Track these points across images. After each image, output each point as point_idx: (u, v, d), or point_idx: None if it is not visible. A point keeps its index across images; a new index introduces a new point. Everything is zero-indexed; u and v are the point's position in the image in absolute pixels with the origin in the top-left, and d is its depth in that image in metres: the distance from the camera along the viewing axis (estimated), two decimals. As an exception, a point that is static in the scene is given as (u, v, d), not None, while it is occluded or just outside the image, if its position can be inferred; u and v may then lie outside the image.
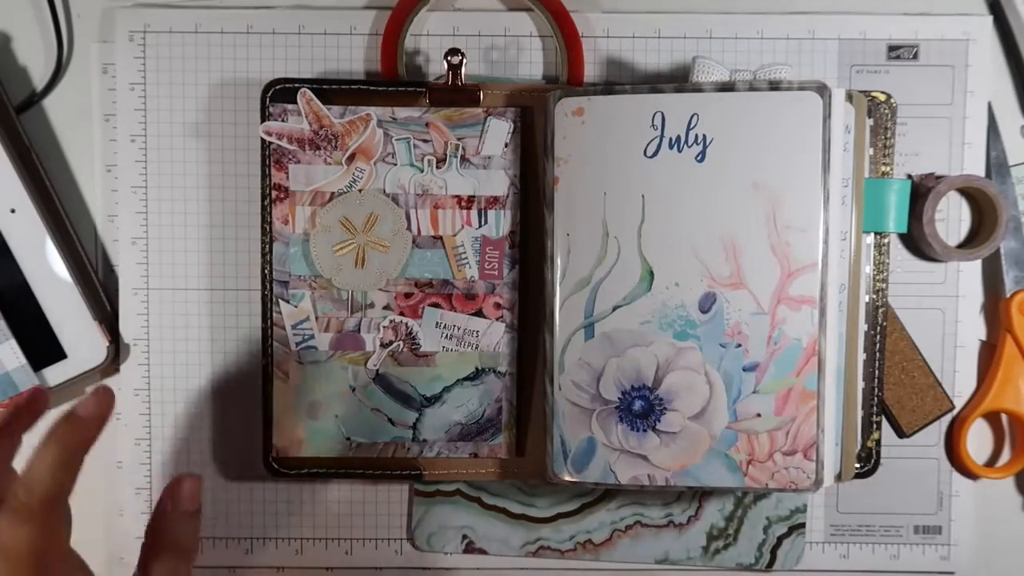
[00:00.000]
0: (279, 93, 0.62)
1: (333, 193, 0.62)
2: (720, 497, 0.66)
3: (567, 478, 0.60)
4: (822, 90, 0.56)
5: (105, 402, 0.50)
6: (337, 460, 0.64)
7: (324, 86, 0.62)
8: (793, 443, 0.58)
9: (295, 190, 0.62)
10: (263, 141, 0.62)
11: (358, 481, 0.67)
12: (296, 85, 0.62)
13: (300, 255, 0.63)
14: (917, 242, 0.65)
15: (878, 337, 0.64)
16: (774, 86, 0.57)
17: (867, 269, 0.63)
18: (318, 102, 0.61)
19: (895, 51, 0.65)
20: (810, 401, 0.57)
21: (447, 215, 0.62)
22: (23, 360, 0.63)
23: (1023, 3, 0.65)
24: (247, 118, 0.65)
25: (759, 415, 0.58)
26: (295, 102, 0.62)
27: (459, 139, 0.62)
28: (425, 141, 0.62)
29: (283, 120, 0.62)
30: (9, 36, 0.66)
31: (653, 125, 0.58)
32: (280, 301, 0.63)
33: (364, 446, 0.64)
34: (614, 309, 0.59)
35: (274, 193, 0.62)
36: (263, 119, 0.62)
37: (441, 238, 0.62)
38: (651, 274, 0.58)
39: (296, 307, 0.63)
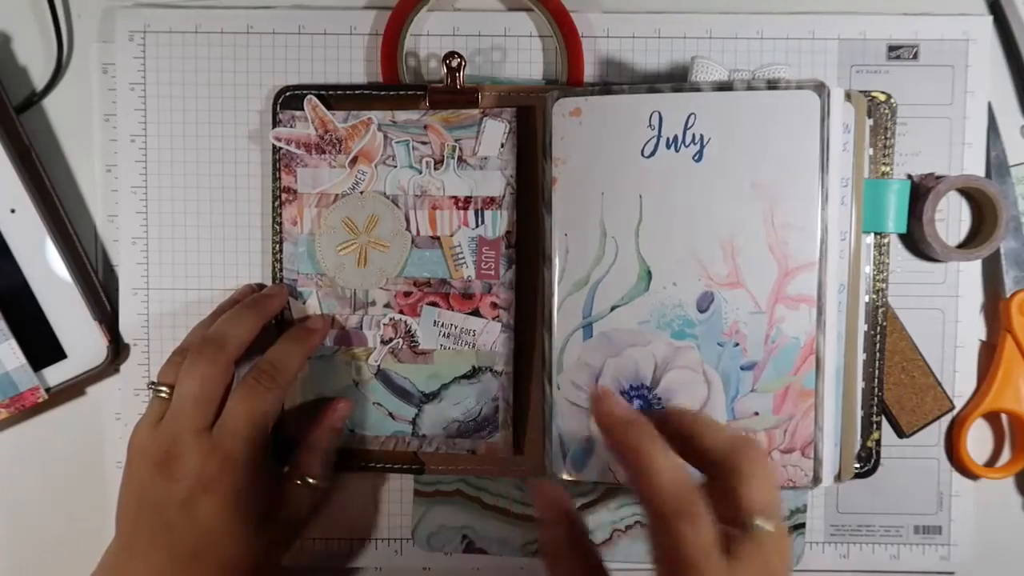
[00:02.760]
0: (288, 100, 0.63)
1: (337, 195, 0.63)
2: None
3: (566, 477, 0.60)
4: (820, 89, 0.56)
5: (326, 323, 0.63)
6: (341, 452, 0.64)
7: (328, 92, 0.63)
8: (791, 441, 0.58)
9: (302, 192, 0.63)
10: (273, 146, 0.63)
11: (359, 475, 0.67)
12: (303, 92, 0.63)
13: (306, 255, 0.64)
14: (917, 242, 0.65)
15: (878, 337, 0.64)
16: (772, 85, 0.56)
17: (867, 269, 0.63)
18: (323, 108, 0.62)
19: (895, 51, 0.65)
20: (808, 400, 0.57)
21: (444, 216, 0.63)
22: (23, 360, 0.63)
23: (1023, 3, 0.65)
24: (247, 118, 0.65)
25: (757, 414, 0.58)
26: (302, 108, 0.62)
27: (456, 140, 0.62)
28: (423, 143, 0.62)
29: (291, 126, 0.63)
30: (9, 36, 0.66)
31: (650, 125, 0.58)
32: (289, 298, 0.64)
33: (367, 439, 0.65)
34: (612, 309, 0.59)
35: (284, 196, 0.63)
36: (274, 125, 0.63)
37: (439, 238, 0.63)
38: (649, 274, 0.58)
39: (304, 304, 0.64)
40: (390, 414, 0.64)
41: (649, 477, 0.48)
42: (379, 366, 0.64)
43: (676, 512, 0.46)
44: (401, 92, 0.63)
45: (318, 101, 0.62)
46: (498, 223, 0.62)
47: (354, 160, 0.63)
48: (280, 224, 0.64)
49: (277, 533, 0.60)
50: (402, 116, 0.63)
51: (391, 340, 0.64)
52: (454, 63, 0.62)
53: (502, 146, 0.62)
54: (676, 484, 0.47)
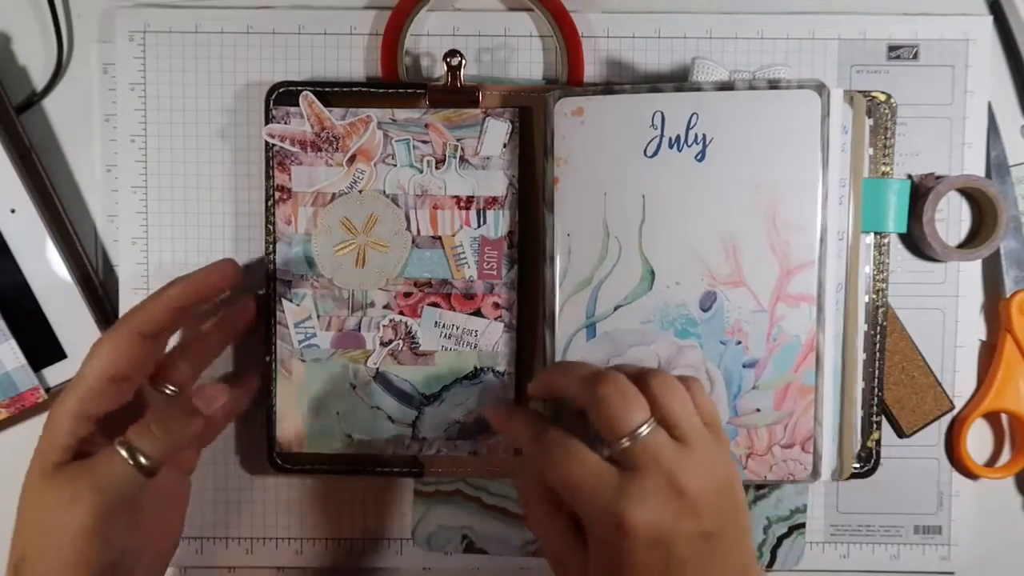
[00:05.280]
0: (282, 96, 0.63)
1: (334, 194, 0.63)
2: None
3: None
4: (820, 89, 0.56)
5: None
6: (338, 456, 0.64)
7: (326, 88, 0.63)
8: (791, 436, 0.58)
9: (297, 191, 0.63)
10: (266, 143, 0.62)
11: (359, 477, 0.66)
12: (298, 88, 0.62)
13: (302, 255, 0.63)
14: (917, 242, 0.65)
15: (878, 337, 0.64)
16: (773, 85, 0.57)
17: (867, 269, 0.63)
18: (320, 104, 0.62)
19: (895, 51, 0.65)
20: (808, 396, 0.58)
21: (446, 215, 0.62)
22: (23, 360, 0.63)
23: (1023, 3, 0.65)
24: (247, 118, 0.65)
25: (759, 410, 0.58)
26: (298, 104, 0.62)
27: (458, 140, 0.62)
28: (424, 142, 0.62)
29: (286, 122, 0.62)
30: (9, 36, 0.66)
31: (653, 125, 0.58)
32: (283, 300, 0.63)
33: (364, 443, 0.64)
34: (615, 309, 0.59)
35: (277, 194, 0.63)
36: (266, 121, 0.63)
37: (440, 238, 0.63)
38: (652, 274, 0.58)
39: (299, 306, 0.63)
40: (389, 418, 0.64)
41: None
42: (378, 368, 0.64)
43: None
44: (400, 90, 0.63)
45: (314, 97, 0.62)
46: (500, 223, 0.62)
47: (352, 158, 0.62)
48: (273, 224, 0.63)
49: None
50: (402, 115, 0.62)
51: (391, 342, 0.63)
52: (454, 62, 0.62)
53: (504, 146, 0.62)
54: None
